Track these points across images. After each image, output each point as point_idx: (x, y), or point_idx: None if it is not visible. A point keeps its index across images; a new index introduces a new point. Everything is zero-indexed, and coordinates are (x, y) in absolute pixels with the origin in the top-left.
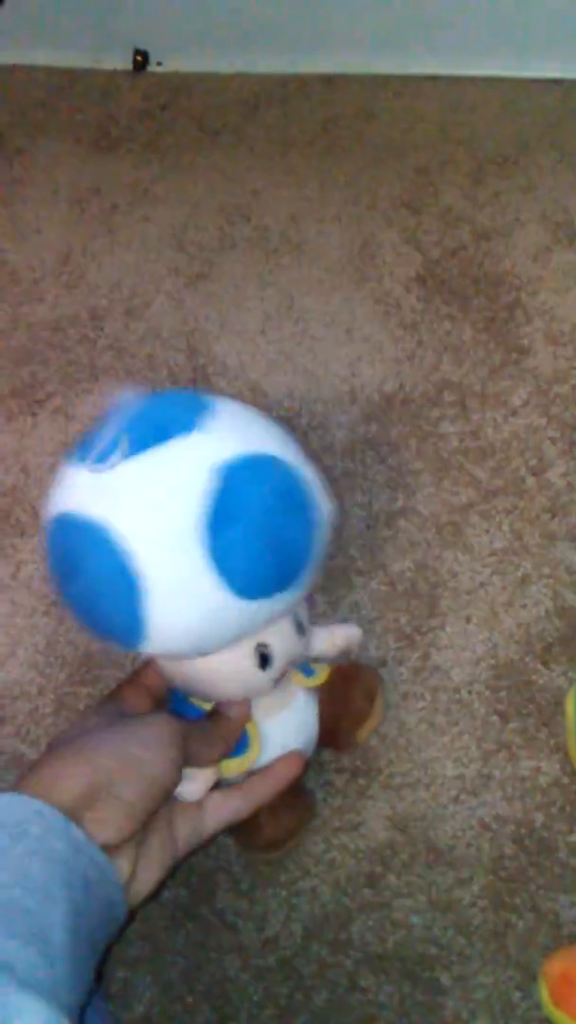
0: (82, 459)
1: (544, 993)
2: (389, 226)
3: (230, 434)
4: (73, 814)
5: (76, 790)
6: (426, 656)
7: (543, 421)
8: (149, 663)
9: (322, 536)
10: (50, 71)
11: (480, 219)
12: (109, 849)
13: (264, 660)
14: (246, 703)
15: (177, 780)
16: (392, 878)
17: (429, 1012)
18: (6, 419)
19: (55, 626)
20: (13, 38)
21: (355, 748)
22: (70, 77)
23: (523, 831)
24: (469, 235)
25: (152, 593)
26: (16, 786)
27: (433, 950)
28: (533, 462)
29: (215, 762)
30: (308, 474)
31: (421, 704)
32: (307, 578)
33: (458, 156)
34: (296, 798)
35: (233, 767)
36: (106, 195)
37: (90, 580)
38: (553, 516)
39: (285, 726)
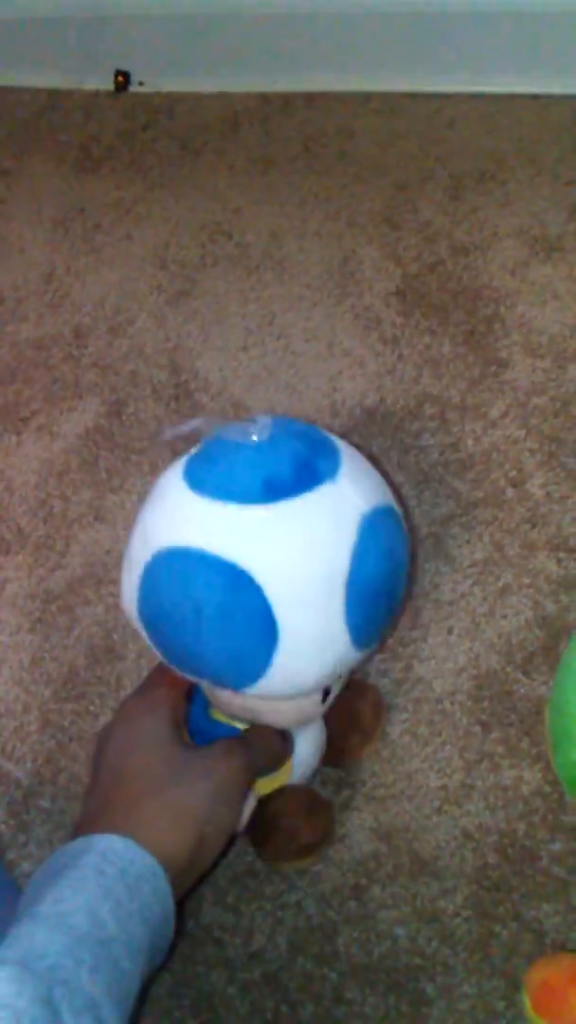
0: (212, 492)
1: (526, 1002)
2: (369, 242)
3: (365, 482)
4: (170, 878)
5: (182, 859)
6: (408, 668)
7: (522, 433)
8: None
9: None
10: (33, 92)
11: (458, 234)
12: None
13: (326, 694)
14: (289, 733)
15: None
16: (376, 890)
17: (414, 1023)
18: None
19: (40, 643)
20: None
21: (355, 764)
22: (53, 98)
23: (506, 841)
24: (447, 250)
25: (285, 641)
26: (118, 823)
27: (418, 961)
28: (513, 473)
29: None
30: (405, 523)
31: (404, 715)
32: None
33: (437, 172)
34: (316, 802)
35: (267, 786)
36: (89, 214)
37: (220, 624)
38: (533, 527)
39: (310, 740)
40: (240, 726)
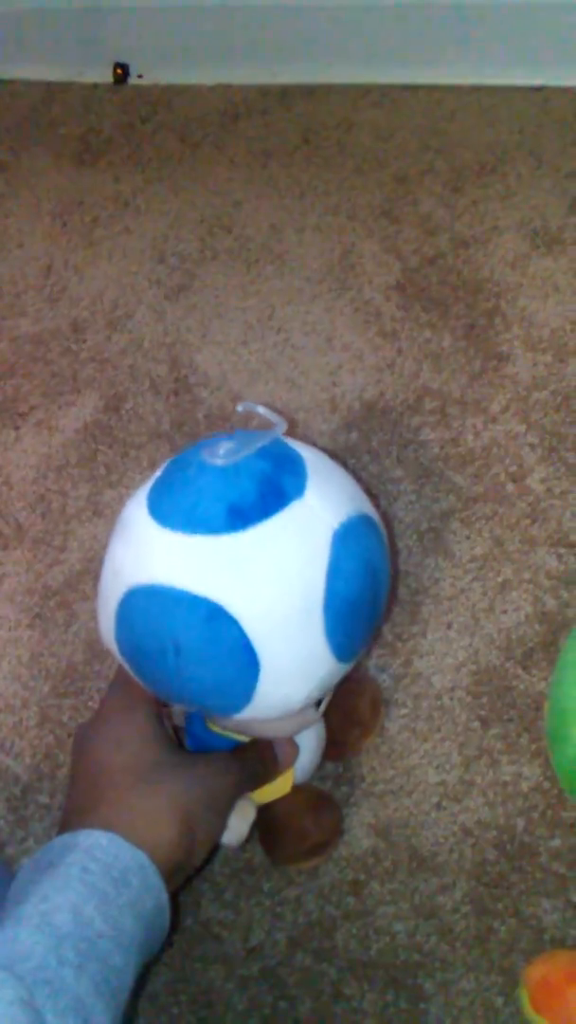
0: (178, 524)
1: (524, 998)
2: (369, 235)
3: (334, 494)
4: (162, 872)
5: (172, 853)
6: (408, 663)
7: (522, 427)
8: None
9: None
10: (32, 85)
11: (458, 227)
12: None
13: (319, 702)
14: (293, 743)
15: None
16: (375, 885)
17: (412, 1019)
18: None
19: (38, 639)
20: None
21: (354, 758)
22: (52, 91)
23: (505, 837)
24: (448, 243)
25: (268, 669)
26: (104, 818)
27: (416, 957)
28: (513, 468)
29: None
30: (382, 526)
31: (403, 711)
32: None
33: (437, 165)
34: (323, 801)
35: (269, 794)
36: (88, 208)
37: (199, 660)
38: (533, 522)
39: (311, 741)
40: (240, 738)
